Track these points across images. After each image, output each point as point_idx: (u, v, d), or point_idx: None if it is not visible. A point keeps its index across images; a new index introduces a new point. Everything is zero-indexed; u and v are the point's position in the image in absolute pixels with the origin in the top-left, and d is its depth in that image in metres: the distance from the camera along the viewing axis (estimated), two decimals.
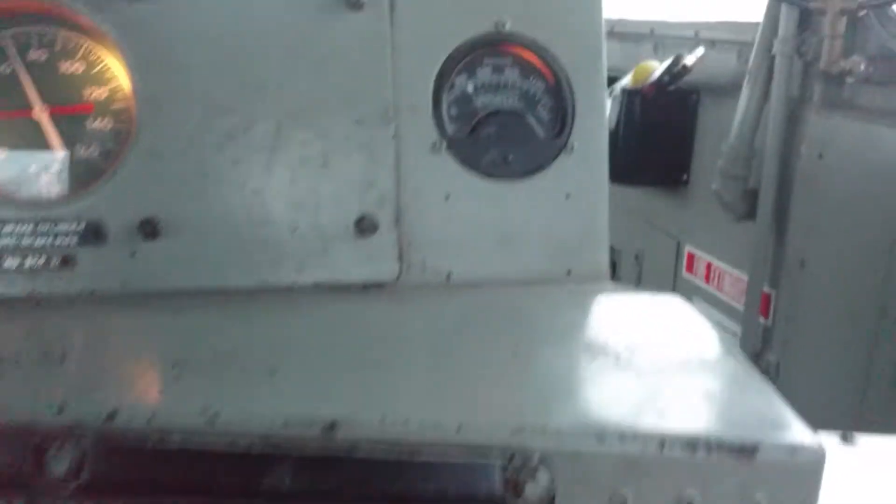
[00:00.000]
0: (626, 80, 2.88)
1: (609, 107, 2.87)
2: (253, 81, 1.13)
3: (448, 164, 1.21)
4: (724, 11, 2.82)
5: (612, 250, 3.43)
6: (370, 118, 1.16)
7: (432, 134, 1.20)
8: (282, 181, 1.14)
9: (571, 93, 1.25)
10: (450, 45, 1.21)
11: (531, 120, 1.25)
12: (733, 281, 2.61)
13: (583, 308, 1.10)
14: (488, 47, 1.23)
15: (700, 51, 2.47)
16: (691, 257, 2.86)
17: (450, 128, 1.22)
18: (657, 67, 2.73)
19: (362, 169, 1.16)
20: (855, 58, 2.05)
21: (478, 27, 1.22)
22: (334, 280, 1.15)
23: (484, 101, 1.24)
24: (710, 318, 2.70)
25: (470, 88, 1.24)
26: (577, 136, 1.25)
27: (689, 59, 2.41)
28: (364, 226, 1.15)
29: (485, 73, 1.24)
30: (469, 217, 1.21)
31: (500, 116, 1.24)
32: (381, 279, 1.16)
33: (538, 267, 1.23)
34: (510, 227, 1.23)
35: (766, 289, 2.44)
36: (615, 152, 2.75)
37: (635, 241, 3.22)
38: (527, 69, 1.25)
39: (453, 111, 1.23)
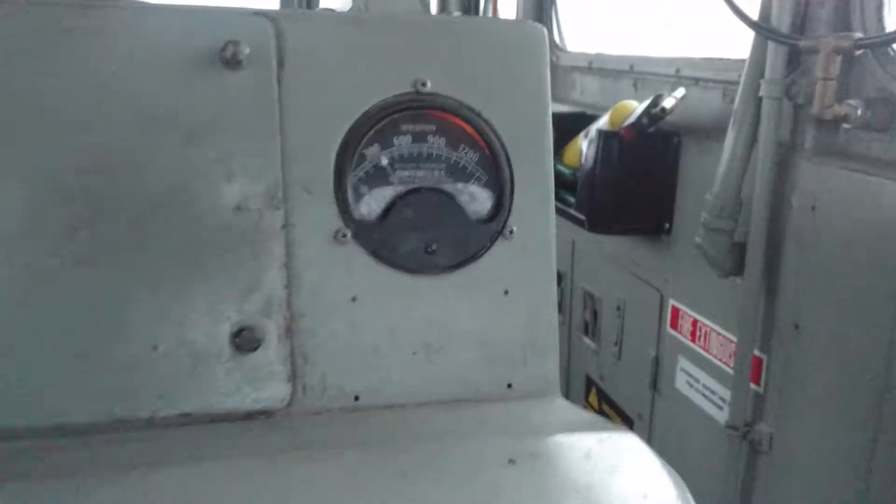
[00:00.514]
0: (603, 121, 2.67)
1: (585, 148, 2.66)
2: (104, 159, 0.90)
3: (355, 257, 0.98)
4: (708, 47, 2.61)
5: (593, 298, 3.21)
6: (253, 203, 0.93)
7: (334, 220, 0.97)
8: (139, 286, 0.90)
9: (510, 166, 1.02)
10: (356, 108, 0.98)
11: (461, 199, 1.02)
12: (721, 342, 2.38)
13: (514, 460, 0.87)
14: (407, 112, 1.01)
15: (680, 92, 2.25)
16: (676, 312, 2.63)
17: (357, 211, 0.99)
18: (636, 107, 2.52)
19: (243, 268, 0.93)
20: (851, 102, 1.83)
21: (392, 87, 0.99)
22: (207, 409, 0.92)
23: (401, 177, 1.01)
24: (697, 380, 2.46)
25: (384, 161, 1.01)
26: (518, 219, 1.02)
27: (667, 102, 2.20)
28: (244, 340, 0.92)
29: (403, 143, 1.01)
30: (382, 322, 0.98)
31: (422, 195, 1.01)
32: (267, 406, 0.93)
33: (471, 381, 1.00)
34: (435, 333, 1.00)
35: (757, 353, 2.21)
36: (592, 198, 2.53)
37: (616, 291, 3.00)
38: (455, 138, 1.02)
39: (362, 190, 1.00)
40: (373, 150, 1.01)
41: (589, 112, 3.06)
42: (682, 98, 2.23)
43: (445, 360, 1.00)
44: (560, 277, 3.40)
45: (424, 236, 1.00)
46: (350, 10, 1.07)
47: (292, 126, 0.95)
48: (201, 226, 0.92)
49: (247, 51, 0.90)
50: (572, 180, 2.81)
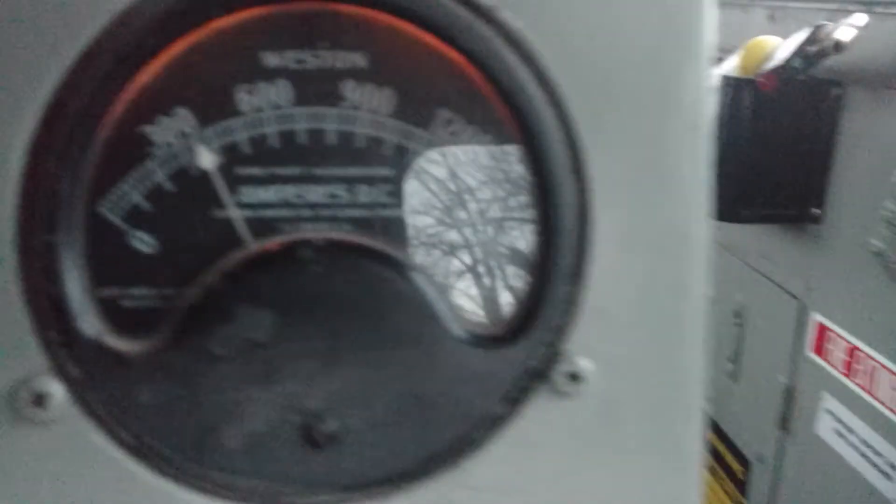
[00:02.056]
0: (730, 64, 1.95)
1: None
2: None
3: (81, 460, 0.35)
4: None
5: None
6: None
7: (17, 352, 0.34)
8: None
9: (582, 183, 0.36)
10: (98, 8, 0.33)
11: (425, 278, 0.37)
12: None
13: None
14: (277, 7, 0.35)
15: (860, 19, 1.52)
16: (822, 332, 1.93)
17: (94, 321, 0.36)
18: (780, 45, 1.80)
19: None
20: None
21: None
22: None
23: (257, 210, 0.37)
24: (852, 430, 1.76)
25: (205, 161, 0.36)
26: (601, 334, 0.36)
27: (842, 32, 1.46)
28: None
29: (266, 104, 0.36)
30: None
31: (314, 269, 0.36)
32: None
33: None
34: None
35: None
36: (714, 174, 1.83)
37: (736, 292, 2.30)
38: (427, 94, 0.37)
39: (122, 251, 0.36)
40: (167, 125, 0.36)
41: None
42: (865, 27, 1.50)
43: None
44: None
45: (308, 394, 0.36)
46: None
47: None
48: None
49: None
50: None
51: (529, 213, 0.39)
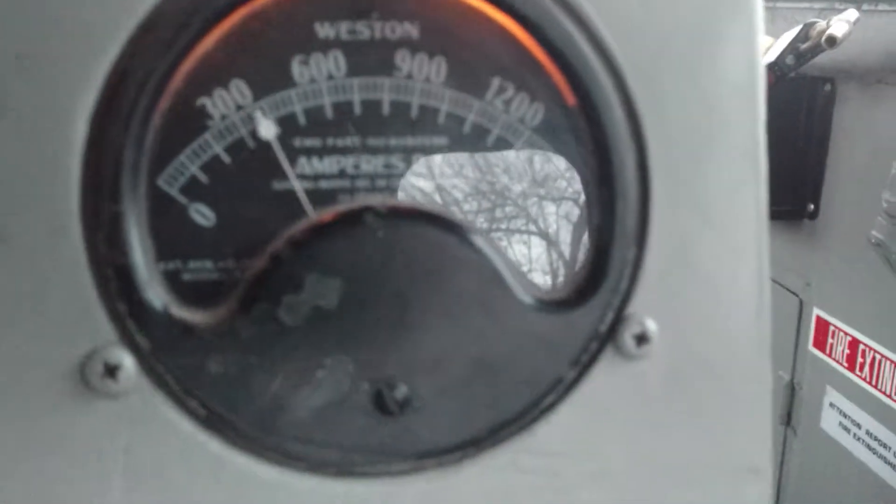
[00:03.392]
0: None
1: None
2: None
3: (152, 430, 0.34)
4: None
5: None
6: None
7: (81, 321, 0.34)
8: None
9: (642, 150, 0.36)
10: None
11: (489, 244, 0.37)
12: None
13: None
14: None
15: (852, 14, 1.53)
16: (823, 326, 1.93)
17: (160, 292, 0.35)
18: (771, 43, 1.82)
19: None
20: None
21: None
22: None
23: (315, 181, 0.37)
24: (858, 424, 1.76)
25: (263, 130, 0.36)
26: (663, 295, 0.36)
27: (836, 28, 1.47)
28: None
29: (320, 75, 0.36)
30: None
31: (376, 235, 0.36)
32: None
33: None
34: None
35: None
36: None
37: None
38: (478, 63, 0.37)
39: (183, 220, 0.36)
40: (223, 98, 0.35)
41: None
42: (856, 22, 1.52)
43: None
44: None
45: (378, 361, 0.35)
46: None
47: None
48: None
49: None
50: None
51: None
